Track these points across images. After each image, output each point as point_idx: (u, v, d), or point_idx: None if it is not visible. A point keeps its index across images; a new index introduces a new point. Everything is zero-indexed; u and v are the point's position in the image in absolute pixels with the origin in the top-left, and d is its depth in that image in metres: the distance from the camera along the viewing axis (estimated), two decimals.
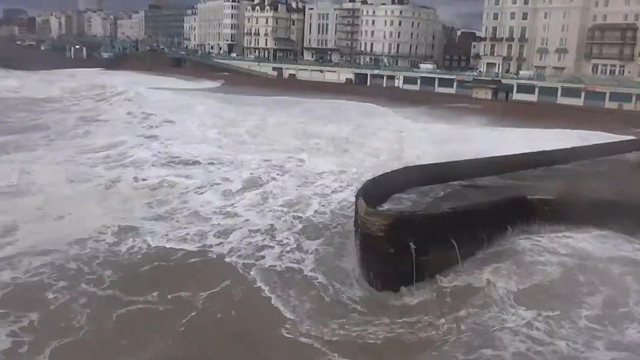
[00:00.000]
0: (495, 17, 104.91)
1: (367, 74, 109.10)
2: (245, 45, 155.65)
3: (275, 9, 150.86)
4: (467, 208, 19.17)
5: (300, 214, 23.31)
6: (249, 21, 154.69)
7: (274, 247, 19.82)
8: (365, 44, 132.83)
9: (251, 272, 17.78)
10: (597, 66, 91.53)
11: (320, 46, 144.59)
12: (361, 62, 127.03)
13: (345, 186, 27.40)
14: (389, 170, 23.44)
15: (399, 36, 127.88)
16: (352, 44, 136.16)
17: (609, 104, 74.47)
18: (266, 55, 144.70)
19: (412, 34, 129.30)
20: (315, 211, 23.77)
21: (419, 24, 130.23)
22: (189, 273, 17.63)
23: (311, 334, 14.84)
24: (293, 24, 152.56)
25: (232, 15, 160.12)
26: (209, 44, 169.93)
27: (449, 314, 15.84)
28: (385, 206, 19.46)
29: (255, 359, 14.20)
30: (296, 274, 17.97)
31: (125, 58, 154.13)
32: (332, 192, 26.69)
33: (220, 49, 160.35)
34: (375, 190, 19.69)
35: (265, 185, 27.69)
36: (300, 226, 21.92)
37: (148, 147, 36.12)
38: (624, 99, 74.45)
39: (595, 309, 15.87)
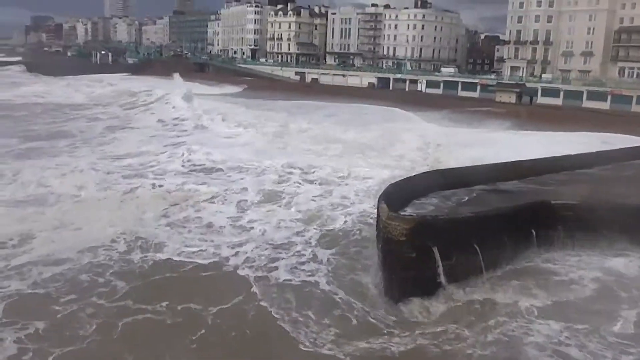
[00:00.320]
0: (520, 20, 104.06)
1: (389, 78, 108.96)
2: (268, 50, 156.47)
3: (298, 14, 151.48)
4: (490, 213, 19.04)
5: (322, 223, 22.93)
6: (271, 26, 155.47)
7: (289, 257, 19.46)
8: (388, 48, 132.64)
9: (265, 286, 17.36)
10: (623, 69, 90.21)
11: (342, 50, 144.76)
12: (383, 66, 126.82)
13: (368, 195, 26.66)
14: (411, 175, 23.42)
15: (421, 40, 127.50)
16: (374, 48, 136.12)
17: (636, 108, 73.33)
18: (289, 60, 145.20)
19: (435, 37, 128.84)
20: (337, 219, 23.36)
21: (442, 27, 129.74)
22: (200, 285, 17.36)
23: (328, 347, 14.50)
24: (316, 29, 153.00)
25: (255, 20, 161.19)
26: (232, 49, 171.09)
27: (475, 324, 15.56)
28: (408, 210, 19.41)
29: None
30: (312, 287, 17.48)
31: (149, 63, 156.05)
32: (353, 202, 25.92)
33: (244, 53, 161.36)
34: (397, 195, 19.66)
35: (285, 193, 27.34)
36: (320, 236, 21.53)
37: (171, 154, 36.15)
38: None
39: (629, 323, 15.57)
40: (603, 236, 19.68)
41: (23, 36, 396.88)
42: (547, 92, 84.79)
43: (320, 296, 17.02)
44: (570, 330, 15.20)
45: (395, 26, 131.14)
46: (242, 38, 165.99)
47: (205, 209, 24.35)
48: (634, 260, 19.20)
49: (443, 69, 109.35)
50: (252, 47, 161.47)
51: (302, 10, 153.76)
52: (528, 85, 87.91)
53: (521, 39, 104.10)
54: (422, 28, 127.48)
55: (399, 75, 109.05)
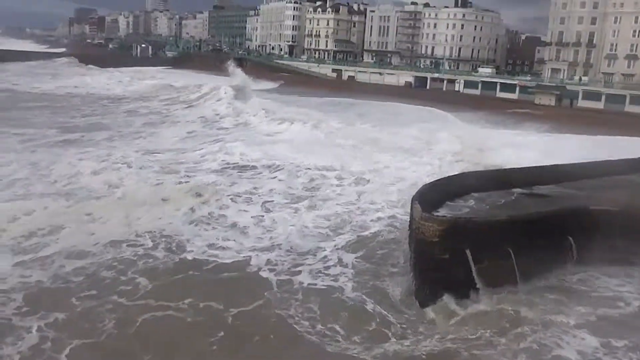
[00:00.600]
0: (562, 21, 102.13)
1: (426, 78, 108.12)
2: (305, 46, 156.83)
3: (337, 11, 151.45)
4: (525, 217, 18.74)
5: (351, 226, 22.60)
6: (310, 23, 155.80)
7: (314, 262, 19.13)
8: (426, 47, 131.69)
9: (287, 291, 17.15)
10: None
11: (380, 48, 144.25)
12: (421, 65, 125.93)
13: (399, 198, 26.13)
14: (446, 175, 23.20)
15: (460, 40, 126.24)
16: (412, 47, 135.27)
17: None
18: (326, 57, 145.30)
19: (474, 37, 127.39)
20: (366, 223, 22.97)
21: (481, 27, 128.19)
22: (221, 285, 17.27)
23: (354, 351, 14.32)
24: (354, 26, 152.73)
25: (293, 16, 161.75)
26: (270, 44, 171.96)
27: (506, 331, 15.26)
28: (441, 211, 19.24)
29: None
30: (337, 292, 17.20)
31: (188, 57, 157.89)
32: (382, 206, 25.36)
33: (281, 49, 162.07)
34: (431, 195, 19.52)
35: (314, 194, 27.03)
36: (348, 240, 21.12)
37: (207, 151, 36.23)
38: None
39: None
40: None
41: (67, 28, 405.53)
42: (588, 95, 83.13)
43: (345, 300, 16.78)
44: (608, 347, 14.70)
45: (435, 25, 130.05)
46: (280, 34, 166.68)
47: (231, 207, 24.17)
48: None
49: (480, 69, 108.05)
50: (290, 43, 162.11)
51: (340, 7, 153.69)
52: (569, 87, 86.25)
53: (563, 41, 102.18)
54: (462, 27, 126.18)
55: (436, 75, 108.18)
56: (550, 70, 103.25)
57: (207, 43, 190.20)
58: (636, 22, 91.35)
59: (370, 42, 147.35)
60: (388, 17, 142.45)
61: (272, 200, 25.72)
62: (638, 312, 16.54)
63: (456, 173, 24.59)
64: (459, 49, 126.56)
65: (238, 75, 77.58)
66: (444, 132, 42.68)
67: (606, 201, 21.17)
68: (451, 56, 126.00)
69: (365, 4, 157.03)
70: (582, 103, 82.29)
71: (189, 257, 18.90)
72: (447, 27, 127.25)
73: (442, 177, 22.91)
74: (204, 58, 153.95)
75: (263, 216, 23.50)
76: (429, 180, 23.00)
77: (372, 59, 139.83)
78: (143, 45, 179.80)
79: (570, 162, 26.39)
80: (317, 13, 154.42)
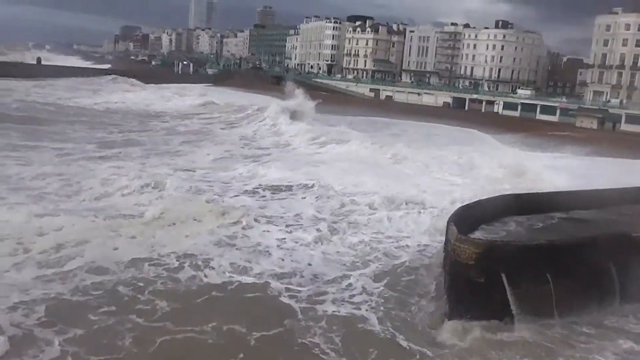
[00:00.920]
0: (606, 43, 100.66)
1: (465, 98, 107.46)
2: (344, 65, 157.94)
3: (376, 31, 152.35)
4: (564, 242, 18.31)
5: (379, 255, 21.70)
6: (349, 42, 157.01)
7: (338, 290, 18.48)
8: (465, 67, 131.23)
9: (310, 317, 16.65)
10: None
11: (419, 69, 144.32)
12: (460, 86, 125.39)
13: (430, 226, 24.98)
14: (483, 198, 22.88)
15: (500, 61, 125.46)
16: (451, 68, 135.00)
17: None
18: (364, 76, 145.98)
19: (514, 58, 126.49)
20: (395, 252, 22.03)
21: (522, 48, 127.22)
22: (244, 309, 16.85)
23: None
24: (393, 46, 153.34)
25: (333, 36, 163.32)
26: (308, 63, 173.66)
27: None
28: (477, 234, 18.98)
29: None
30: (360, 321, 16.58)
31: (229, 75, 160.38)
32: (410, 235, 24.21)
33: (320, 68, 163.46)
34: (467, 217, 19.29)
35: (345, 217, 26.35)
36: (375, 270, 20.16)
37: (242, 170, 35.82)
38: None
39: None
40: None
41: (112, 45, 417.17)
42: (631, 119, 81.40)
43: (370, 329, 16.26)
44: None
45: (474, 46, 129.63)
46: (319, 53, 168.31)
47: (258, 229, 23.63)
48: None
49: (519, 91, 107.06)
50: (329, 62, 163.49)
51: (380, 27, 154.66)
52: (611, 110, 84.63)
53: (606, 63, 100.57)
54: (502, 48, 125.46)
55: (475, 96, 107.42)
56: (592, 92, 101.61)
57: (247, 61, 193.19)
58: None
59: (409, 62, 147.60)
60: (427, 37, 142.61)
61: (301, 224, 25.05)
62: None
63: (493, 195, 24.19)
64: (499, 70, 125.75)
65: (298, 97, 75.24)
66: (482, 155, 42.23)
67: None
68: (490, 77, 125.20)
69: (405, 24, 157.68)
70: (625, 127, 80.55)
71: (212, 279, 18.55)
72: (487, 48, 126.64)
73: (479, 199, 22.57)
74: (244, 76, 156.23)
75: (286, 239, 22.86)
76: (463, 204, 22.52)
77: (411, 79, 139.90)
78: (184, 63, 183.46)
79: (611, 187, 25.74)
80: (357, 33, 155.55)
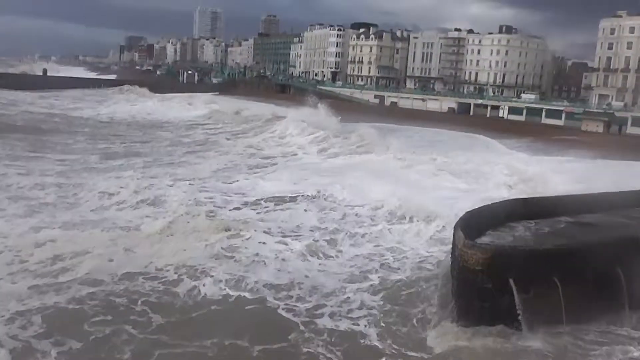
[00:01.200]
0: (610, 47, 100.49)
1: (470, 104, 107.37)
2: (348, 72, 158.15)
3: (380, 38, 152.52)
4: (572, 246, 18.23)
5: (378, 269, 21.19)
6: (353, 49, 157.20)
7: (336, 304, 18.15)
8: (470, 73, 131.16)
9: (313, 329, 16.46)
10: None
11: (423, 75, 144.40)
12: (465, 91, 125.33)
13: (434, 240, 24.39)
14: (489, 203, 22.77)
15: (505, 66, 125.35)
16: (456, 73, 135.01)
17: None
18: (369, 83, 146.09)
19: (519, 63, 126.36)
20: (396, 266, 21.46)
21: (526, 53, 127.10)
22: (243, 323, 16.66)
23: None
24: (397, 53, 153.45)
25: (337, 43, 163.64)
26: (313, 71, 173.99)
27: None
28: (485, 239, 18.88)
29: None
30: (359, 336, 16.29)
31: (234, 83, 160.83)
32: (410, 248, 23.56)
33: (324, 76, 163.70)
34: (474, 222, 19.19)
35: (347, 227, 25.96)
36: (375, 285, 19.71)
37: (244, 181, 35.41)
38: None
39: None
40: None
41: (117, 55, 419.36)
42: (638, 122, 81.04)
43: (369, 344, 15.97)
44: None
45: (479, 51, 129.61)
46: (324, 60, 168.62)
47: (257, 241, 23.19)
48: None
49: (524, 96, 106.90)
50: (333, 69, 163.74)
51: (384, 34, 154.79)
52: (617, 114, 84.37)
53: (611, 67, 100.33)
54: (506, 53, 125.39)
55: (480, 101, 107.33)
56: (597, 96, 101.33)
57: (252, 70, 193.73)
58: None
59: (413, 68, 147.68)
60: (431, 43, 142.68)
61: (301, 234, 24.66)
62: None
63: (500, 200, 24.09)
64: (504, 75, 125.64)
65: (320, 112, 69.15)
66: (489, 160, 42.15)
67: None
68: (495, 82, 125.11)
69: (409, 31, 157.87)
70: (631, 129, 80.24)
71: (209, 292, 18.30)
72: (491, 53, 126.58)
73: (486, 204, 22.47)
74: (248, 84, 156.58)
75: (289, 251, 22.44)
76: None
77: (415, 85, 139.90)
78: (189, 72, 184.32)
79: (619, 190, 25.58)
80: (361, 40, 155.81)
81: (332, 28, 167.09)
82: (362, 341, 16.00)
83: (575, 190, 27.50)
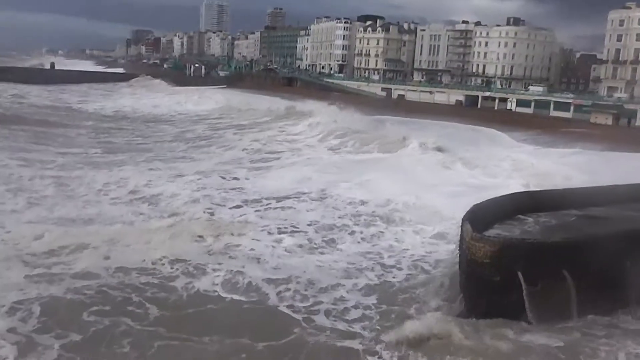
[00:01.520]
0: (619, 38, 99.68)
1: (477, 96, 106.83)
2: (355, 65, 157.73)
3: (387, 30, 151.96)
4: (581, 238, 18.18)
5: (374, 268, 20.95)
6: (360, 42, 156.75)
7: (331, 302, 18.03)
8: (477, 65, 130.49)
9: (314, 326, 16.43)
10: None
11: (430, 67, 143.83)
12: (472, 84, 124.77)
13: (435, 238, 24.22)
14: (497, 196, 22.73)
15: (512, 58, 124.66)
16: (463, 66, 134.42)
17: None
18: (373, 75, 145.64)
19: (527, 55, 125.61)
20: (391, 265, 21.25)
21: (534, 45, 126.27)
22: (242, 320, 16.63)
23: None
24: (404, 45, 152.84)
25: (343, 36, 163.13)
26: (320, 64, 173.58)
27: None
28: (492, 232, 18.86)
29: None
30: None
31: (240, 77, 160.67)
32: (407, 247, 23.23)
33: (331, 69, 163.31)
34: (482, 215, 19.17)
35: (343, 230, 25.50)
36: (368, 284, 19.50)
37: (245, 178, 34.90)
38: None
39: None
40: None
41: (124, 49, 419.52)
42: None
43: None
44: None
45: (486, 43, 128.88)
46: (331, 53, 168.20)
47: (256, 239, 23.12)
48: None
49: (531, 88, 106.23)
50: (340, 62, 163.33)
51: (391, 26, 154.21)
52: (626, 106, 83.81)
53: (620, 58, 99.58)
54: (514, 46, 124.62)
55: (487, 93, 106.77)
56: (606, 88, 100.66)
57: (258, 63, 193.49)
58: None
59: (420, 61, 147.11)
60: (439, 35, 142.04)
61: (299, 231, 24.47)
62: None
63: (508, 193, 24.03)
64: (511, 67, 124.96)
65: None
66: (497, 153, 42.01)
67: None
68: (503, 75, 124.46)
69: (416, 23, 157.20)
70: None
71: (204, 286, 18.31)
72: (499, 46, 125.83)
73: (493, 197, 22.43)
74: (255, 78, 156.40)
75: (279, 247, 22.30)
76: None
77: (422, 78, 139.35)
78: (196, 65, 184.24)
79: (627, 183, 25.46)
80: (367, 32, 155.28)
81: (338, 21, 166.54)
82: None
83: (583, 182, 27.38)
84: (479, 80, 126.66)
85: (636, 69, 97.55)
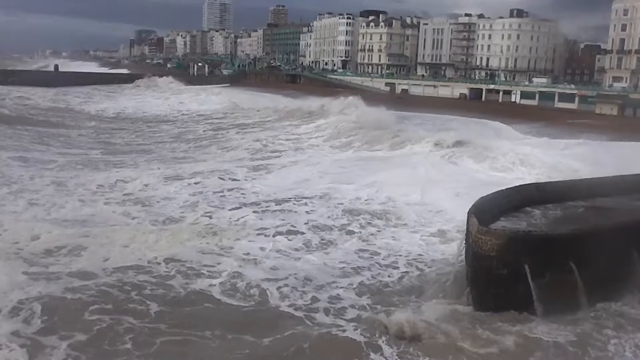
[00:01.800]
0: (624, 28, 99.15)
1: (481, 89, 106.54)
2: (358, 61, 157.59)
3: (390, 25, 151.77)
4: (587, 230, 18.10)
5: (369, 270, 20.55)
6: (363, 37, 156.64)
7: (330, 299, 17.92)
8: (481, 58, 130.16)
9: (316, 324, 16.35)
10: None
11: (434, 61, 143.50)
12: (476, 77, 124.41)
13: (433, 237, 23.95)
14: (503, 188, 22.65)
15: (516, 50, 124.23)
16: (467, 59, 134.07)
17: None
18: (378, 70, 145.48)
19: (530, 47, 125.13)
20: (384, 269, 20.78)
21: (538, 37, 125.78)
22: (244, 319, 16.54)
23: None
24: (407, 40, 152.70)
25: (346, 32, 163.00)
26: (323, 60, 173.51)
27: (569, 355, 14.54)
28: (498, 225, 18.79)
29: None
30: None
31: (244, 75, 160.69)
32: (408, 248, 22.79)
33: (335, 65, 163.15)
34: (488, 208, 19.09)
35: (348, 223, 25.42)
36: (362, 285, 19.18)
37: (244, 180, 34.30)
38: None
39: None
40: None
41: (128, 49, 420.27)
42: None
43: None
44: None
45: (490, 36, 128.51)
46: (334, 49, 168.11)
47: (252, 240, 22.91)
48: None
49: (535, 80, 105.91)
50: (343, 58, 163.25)
51: (393, 21, 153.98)
52: (631, 96, 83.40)
53: (625, 48, 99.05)
54: (518, 38, 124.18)
55: (492, 86, 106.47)
56: (611, 78, 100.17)
57: (262, 60, 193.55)
58: None
59: (423, 55, 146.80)
60: (442, 29, 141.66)
61: (297, 232, 24.21)
62: None
63: (514, 185, 23.94)
64: (515, 59, 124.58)
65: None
66: (501, 146, 41.79)
67: None
68: (507, 67, 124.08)
69: (419, 17, 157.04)
70: None
71: (199, 286, 18.27)
72: (502, 38, 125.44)
73: (499, 189, 22.36)
74: (258, 75, 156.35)
75: (275, 249, 22.07)
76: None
77: (426, 72, 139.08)
78: (200, 64, 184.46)
79: (634, 173, 25.32)
80: (370, 28, 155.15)
81: (341, 17, 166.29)
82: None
83: (588, 173, 27.24)
84: (483, 73, 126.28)
85: None
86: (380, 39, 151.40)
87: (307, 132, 56.68)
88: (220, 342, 15.06)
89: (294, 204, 28.78)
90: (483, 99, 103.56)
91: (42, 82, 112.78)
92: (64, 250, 20.51)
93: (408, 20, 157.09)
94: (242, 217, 26.02)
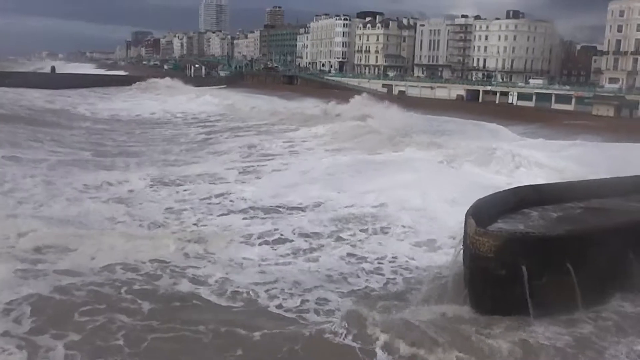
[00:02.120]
0: (620, 29, 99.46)
1: (478, 90, 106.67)
2: (355, 62, 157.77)
3: (387, 26, 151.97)
4: (584, 231, 18.16)
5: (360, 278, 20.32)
6: (359, 39, 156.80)
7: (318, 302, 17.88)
8: (478, 59, 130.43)
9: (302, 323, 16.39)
10: None
11: (431, 62, 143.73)
12: (473, 78, 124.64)
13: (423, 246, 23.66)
14: (500, 190, 22.69)
15: (513, 51, 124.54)
16: (463, 60, 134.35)
17: None
18: (376, 72, 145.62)
19: (527, 48, 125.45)
20: (374, 275, 20.60)
21: (534, 38, 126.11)
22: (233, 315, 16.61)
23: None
24: (404, 41, 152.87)
25: (343, 33, 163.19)
26: (320, 61, 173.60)
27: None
28: (496, 226, 18.83)
29: None
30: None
31: (241, 76, 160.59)
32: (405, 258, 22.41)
33: (331, 66, 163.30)
34: (485, 210, 19.14)
35: (340, 231, 25.03)
36: (352, 291, 19.02)
37: (234, 185, 33.55)
38: None
39: None
40: None
41: (124, 51, 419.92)
42: None
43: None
44: None
45: (486, 37, 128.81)
46: (330, 51, 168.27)
47: (238, 246, 22.84)
48: None
49: (531, 81, 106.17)
50: (340, 59, 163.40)
51: (390, 22, 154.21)
52: (628, 97, 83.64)
53: (621, 49, 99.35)
54: (514, 39, 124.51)
55: (488, 87, 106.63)
56: (607, 79, 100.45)
57: (259, 62, 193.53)
58: None
59: (420, 56, 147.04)
60: (438, 30, 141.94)
61: (288, 239, 23.93)
62: None
63: (511, 187, 23.99)
64: (512, 60, 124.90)
65: None
66: (499, 148, 41.84)
67: None
68: (503, 68, 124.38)
69: (415, 19, 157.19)
70: None
71: (185, 288, 18.27)
72: (499, 39, 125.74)
73: (496, 191, 22.40)
74: (255, 77, 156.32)
75: (268, 259, 21.76)
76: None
77: (423, 73, 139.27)
78: (196, 66, 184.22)
79: (632, 175, 25.40)
80: (367, 29, 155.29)
81: (338, 18, 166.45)
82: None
83: (584, 175, 27.33)
84: (480, 75, 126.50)
85: (637, 60, 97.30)
86: (377, 40, 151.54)
87: (304, 136, 56.19)
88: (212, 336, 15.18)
89: (286, 209, 28.26)
90: (480, 100, 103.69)
91: (38, 84, 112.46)
92: (52, 250, 20.62)
93: (405, 21, 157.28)
94: (230, 224, 25.62)
